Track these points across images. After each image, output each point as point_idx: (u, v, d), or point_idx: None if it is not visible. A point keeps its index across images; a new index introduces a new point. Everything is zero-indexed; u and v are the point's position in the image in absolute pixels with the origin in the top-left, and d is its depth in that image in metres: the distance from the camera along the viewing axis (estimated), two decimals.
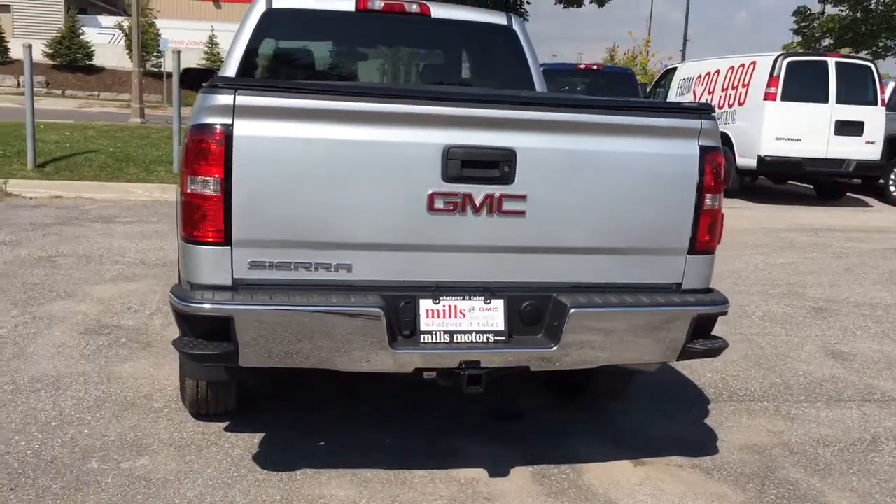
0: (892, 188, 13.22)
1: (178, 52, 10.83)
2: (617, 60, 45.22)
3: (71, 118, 17.68)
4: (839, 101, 12.23)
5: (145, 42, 31.94)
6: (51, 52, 31.14)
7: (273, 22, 4.36)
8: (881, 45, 27.29)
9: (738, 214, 11.30)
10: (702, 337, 3.03)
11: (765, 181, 14.41)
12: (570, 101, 3.15)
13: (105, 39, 35.31)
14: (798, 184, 14.85)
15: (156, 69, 31.87)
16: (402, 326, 2.80)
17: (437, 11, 4.53)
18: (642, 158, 2.88)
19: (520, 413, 3.90)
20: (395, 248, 2.77)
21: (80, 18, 33.30)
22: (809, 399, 4.21)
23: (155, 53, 32.70)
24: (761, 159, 12.28)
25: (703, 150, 2.93)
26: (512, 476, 3.25)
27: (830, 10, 28.50)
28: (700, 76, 14.48)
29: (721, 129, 12.43)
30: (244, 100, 2.58)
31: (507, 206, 2.78)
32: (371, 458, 3.32)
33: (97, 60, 32.77)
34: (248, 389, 3.76)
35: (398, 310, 2.79)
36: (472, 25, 4.67)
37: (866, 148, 12.35)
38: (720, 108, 13.42)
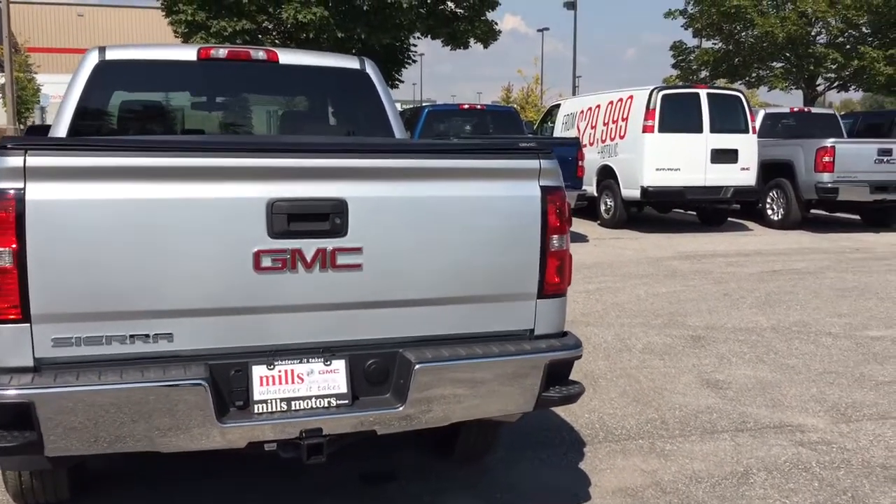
0: (769, 212, 13.71)
1: (42, 108, 10.32)
2: (513, 98, 46.25)
3: None
4: (713, 130, 12.67)
5: (24, 98, 30.72)
6: None
7: (107, 75, 4.11)
8: (754, 75, 28.73)
9: (624, 245, 11.50)
10: (557, 383, 2.91)
11: (651, 211, 14.76)
12: (402, 146, 3.04)
13: None
14: (682, 211, 15.28)
15: (38, 124, 30.64)
16: (234, 397, 2.58)
17: (286, 57, 4.37)
18: (482, 202, 2.77)
19: (392, 474, 3.69)
20: (220, 312, 2.56)
21: None
22: (684, 433, 4.16)
23: (37, 107, 31.53)
24: (644, 190, 12.57)
25: (545, 191, 2.83)
26: None
27: (706, 43, 29.90)
28: (582, 111, 14.81)
29: (605, 162, 12.66)
30: (36, 161, 2.35)
31: (341, 260, 2.61)
32: None
33: None
34: (89, 472, 3.44)
35: (228, 379, 2.58)
36: (324, 71, 4.53)
37: (742, 174, 12.81)
38: (603, 141, 13.73)
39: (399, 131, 4.46)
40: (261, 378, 2.61)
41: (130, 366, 2.48)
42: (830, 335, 6.26)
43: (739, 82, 28.29)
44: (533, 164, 2.82)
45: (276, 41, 21.46)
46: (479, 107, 14.48)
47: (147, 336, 2.51)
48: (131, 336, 2.50)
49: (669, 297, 7.68)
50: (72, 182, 2.38)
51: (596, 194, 13.73)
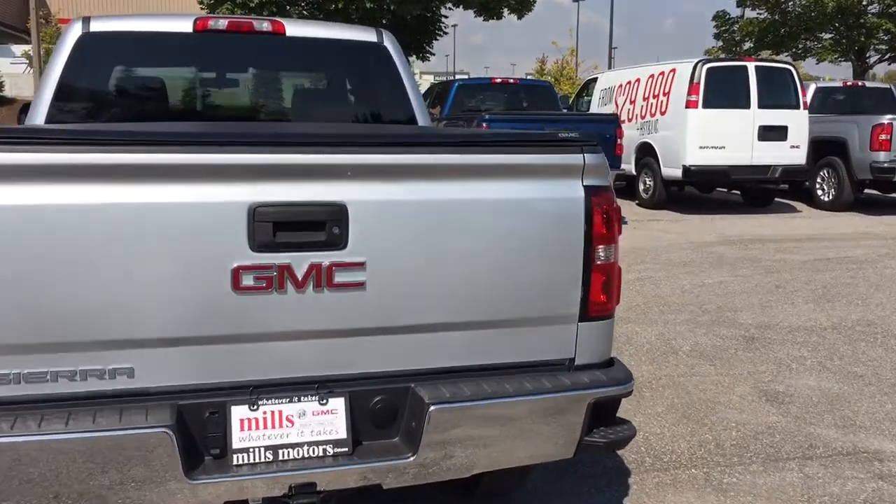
0: (818, 192, 12.97)
1: None
2: (548, 70, 45.13)
3: None
4: (761, 105, 11.95)
5: None
6: None
7: (91, 48, 3.65)
8: (800, 46, 27.62)
9: (665, 228, 10.90)
10: (603, 424, 2.41)
11: (692, 190, 14.09)
12: (413, 138, 2.53)
13: (19, 69, 33.89)
14: (725, 191, 14.56)
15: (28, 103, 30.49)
16: (209, 445, 2.13)
17: (294, 29, 3.87)
18: (512, 206, 2.27)
19: None
20: (192, 341, 2.10)
21: None
22: (744, 460, 3.64)
23: None
24: (686, 169, 11.91)
25: (590, 191, 2.32)
26: None
27: (749, 13, 28.80)
28: (621, 85, 14.11)
29: (644, 140, 11.87)
30: None
31: (340, 277, 2.13)
32: None
33: (9, 91, 31.21)
34: None
35: (202, 423, 2.12)
36: (337, 44, 4.02)
37: (791, 153, 12.08)
38: (642, 117, 13.05)
39: (420, 112, 3.96)
40: (241, 421, 2.15)
41: (81, 408, 2.03)
42: None
43: (785, 54, 27.19)
44: (576, 159, 2.30)
45: (304, 12, 20.91)
46: (511, 81, 13.86)
47: (102, 371, 2.06)
48: (83, 371, 2.05)
49: (716, 289, 7.11)
50: (9, 183, 1.92)
51: (634, 173, 13.08)
